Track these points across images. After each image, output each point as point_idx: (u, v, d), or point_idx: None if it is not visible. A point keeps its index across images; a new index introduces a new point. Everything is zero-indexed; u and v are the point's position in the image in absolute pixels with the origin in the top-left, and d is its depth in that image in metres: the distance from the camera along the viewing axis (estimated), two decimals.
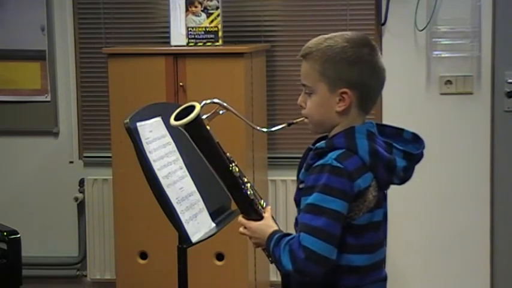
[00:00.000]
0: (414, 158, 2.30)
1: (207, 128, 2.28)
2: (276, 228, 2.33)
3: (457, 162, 4.47)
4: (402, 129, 2.34)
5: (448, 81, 4.42)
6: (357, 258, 2.24)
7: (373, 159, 2.22)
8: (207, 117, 2.29)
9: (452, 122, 4.45)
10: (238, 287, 4.13)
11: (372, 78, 2.26)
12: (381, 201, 2.28)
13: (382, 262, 2.34)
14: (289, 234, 2.26)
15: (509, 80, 4.41)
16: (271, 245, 2.25)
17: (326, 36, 2.28)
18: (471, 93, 4.42)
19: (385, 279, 2.36)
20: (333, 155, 2.20)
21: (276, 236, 2.26)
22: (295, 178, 2.42)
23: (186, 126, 2.24)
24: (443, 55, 4.39)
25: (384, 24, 4.41)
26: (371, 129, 2.28)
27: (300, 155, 2.39)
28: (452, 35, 4.37)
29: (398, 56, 4.42)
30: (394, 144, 2.28)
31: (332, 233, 2.15)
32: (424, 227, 4.51)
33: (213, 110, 2.30)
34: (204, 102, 2.30)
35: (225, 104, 2.33)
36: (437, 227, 4.50)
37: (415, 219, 4.51)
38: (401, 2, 4.39)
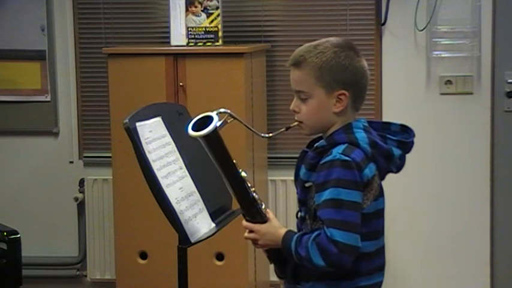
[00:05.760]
0: (407, 146, 2.42)
1: (221, 138, 2.33)
2: (285, 228, 2.38)
3: (457, 162, 4.46)
4: (389, 123, 2.46)
5: (448, 81, 4.42)
6: (366, 245, 2.32)
7: (373, 150, 2.33)
8: (218, 126, 2.34)
9: (452, 122, 4.45)
10: (238, 287, 4.12)
11: (363, 77, 2.39)
12: (382, 189, 2.40)
13: (383, 249, 2.43)
14: (304, 234, 2.32)
15: (509, 80, 4.41)
16: (293, 245, 2.31)
17: (313, 43, 2.39)
18: (471, 93, 4.42)
19: (384, 266, 2.44)
20: (338, 149, 2.31)
21: (296, 236, 2.33)
22: None
23: (205, 136, 2.30)
24: (443, 55, 4.39)
25: (384, 24, 4.40)
26: (365, 124, 2.41)
27: None
28: (452, 35, 4.37)
29: (398, 56, 4.42)
30: (387, 135, 2.41)
31: (355, 222, 2.26)
32: (424, 227, 4.51)
33: (223, 119, 2.34)
34: (216, 111, 2.35)
35: (234, 114, 2.37)
36: (437, 227, 4.50)
37: (415, 219, 4.50)
38: (401, 2, 4.38)
